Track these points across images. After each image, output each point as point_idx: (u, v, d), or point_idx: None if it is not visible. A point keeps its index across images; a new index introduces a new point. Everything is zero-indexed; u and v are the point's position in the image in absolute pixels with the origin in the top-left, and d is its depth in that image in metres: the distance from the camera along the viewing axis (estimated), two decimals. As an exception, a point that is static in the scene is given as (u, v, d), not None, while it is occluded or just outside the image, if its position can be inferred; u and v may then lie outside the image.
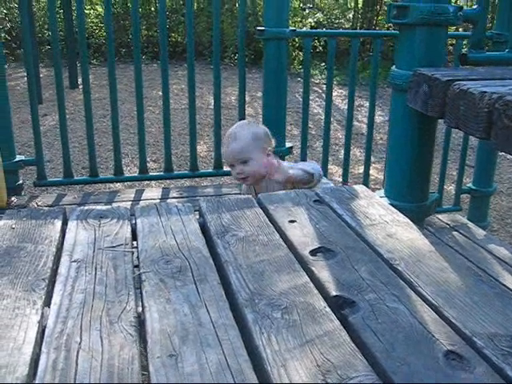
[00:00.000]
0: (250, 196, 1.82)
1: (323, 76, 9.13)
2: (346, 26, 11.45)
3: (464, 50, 2.87)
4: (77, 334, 1.04)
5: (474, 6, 2.25)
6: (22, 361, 0.96)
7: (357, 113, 7.16)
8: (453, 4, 2.24)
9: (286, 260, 1.37)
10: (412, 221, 1.66)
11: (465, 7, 2.36)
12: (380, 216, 1.67)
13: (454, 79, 1.79)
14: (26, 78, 2.81)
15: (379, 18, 11.24)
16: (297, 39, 8.94)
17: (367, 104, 3.23)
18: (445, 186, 3.51)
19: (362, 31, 9.26)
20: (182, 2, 10.85)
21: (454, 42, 3.44)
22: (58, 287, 1.21)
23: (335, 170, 5.05)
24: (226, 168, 3.35)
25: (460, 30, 8.17)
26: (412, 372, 0.96)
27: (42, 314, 1.11)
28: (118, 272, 1.29)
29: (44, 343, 1.01)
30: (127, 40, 10.04)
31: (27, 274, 1.27)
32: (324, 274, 1.30)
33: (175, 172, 3.22)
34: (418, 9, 2.03)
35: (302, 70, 8.35)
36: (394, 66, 2.22)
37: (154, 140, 5.67)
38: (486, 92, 1.57)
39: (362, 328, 1.08)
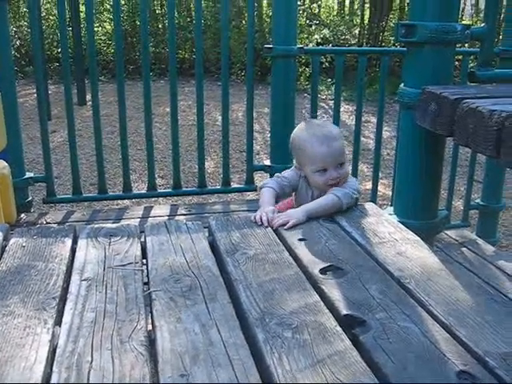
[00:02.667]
0: None
1: (330, 91, 9.15)
2: (352, 42, 11.49)
3: (471, 67, 2.88)
4: (88, 353, 1.04)
5: (482, 25, 2.26)
6: (34, 380, 0.96)
7: (363, 128, 7.14)
8: (459, 22, 2.25)
9: (296, 278, 1.37)
10: (421, 238, 1.66)
11: (468, 22, 2.36)
12: (389, 234, 1.67)
13: (463, 97, 1.79)
14: (34, 95, 2.84)
15: (385, 34, 11.28)
16: (303, 55, 8.99)
17: (373, 120, 3.25)
18: (453, 202, 3.50)
19: (369, 48, 9.29)
20: (188, 19, 10.94)
21: (460, 57, 3.44)
22: (68, 306, 1.22)
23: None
24: (234, 185, 3.35)
25: (466, 45, 8.19)
26: (424, 392, 0.96)
27: (53, 333, 1.11)
28: (129, 291, 1.29)
29: (55, 362, 1.01)
30: (135, 57, 10.12)
31: (38, 292, 1.27)
32: (334, 292, 1.30)
33: (183, 189, 3.22)
34: (426, 27, 2.04)
35: (308, 86, 8.37)
36: (402, 84, 2.23)
37: (161, 156, 5.68)
38: (495, 110, 1.57)
39: (373, 347, 1.08)
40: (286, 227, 1.70)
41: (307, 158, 1.92)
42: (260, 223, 1.72)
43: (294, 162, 2.07)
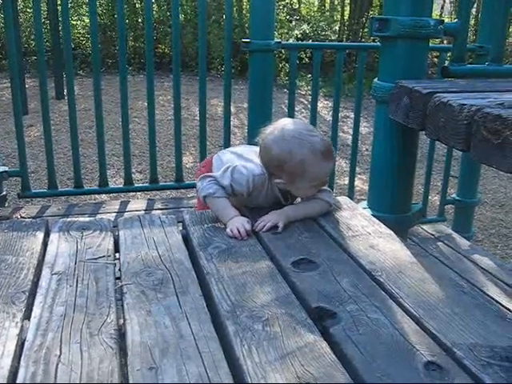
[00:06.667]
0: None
1: (309, 87, 9.16)
2: (332, 38, 11.51)
3: (447, 63, 2.90)
4: (56, 346, 1.03)
5: (455, 20, 2.28)
6: (0, 375, 0.95)
7: (342, 124, 7.21)
8: (434, 17, 2.27)
9: (268, 271, 1.37)
10: (395, 232, 1.67)
11: (447, 20, 2.38)
12: (362, 227, 1.68)
13: (435, 91, 1.80)
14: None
15: (365, 30, 11.33)
16: (283, 51, 9.03)
17: (353, 115, 3.25)
18: (429, 197, 3.53)
19: (347, 44, 9.30)
20: (168, 14, 10.88)
21: (439, 54, 3.46)
22: (38, 300, 1.21)
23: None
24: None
25: (445, 42, 8.27)
26: (392, 383, 0.97)
27: (22, 326, 1.10)
28: (100, 284, 1.28)
29: (23, 356, 1.01)
30: (114, 51, 10.04)
31: (7, 286, 1.26)
32: (306, 285, 1.30)
33: (160, 183, 3.21)
34: (399, 22, 2.05)
35: (288, 82, 8.41)
36: (376, 79, 2.24)
37: (140, 151, 5.66)
38: (465, 104, 1.58)
39: (342, 339, 1.09)
40: (279, 230, 1.62)
41: (307, 177, 1.68)
42: (240, 238, 1.57)
43: (257, 169, 1.76)
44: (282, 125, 1.73)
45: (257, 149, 1.79)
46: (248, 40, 2.93)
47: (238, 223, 1.61)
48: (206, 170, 1.97)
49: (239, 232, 1.58)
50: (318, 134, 1.71)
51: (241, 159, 1.84)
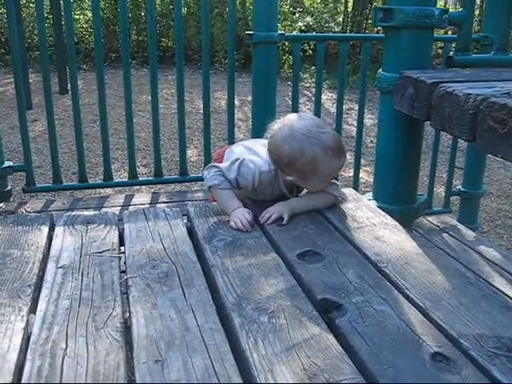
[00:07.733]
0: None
1: (313, 79, 9.13)
2: (336, 30, 11.47)
3: (451, 53, 2.89)
4: (62, 340, 1.03)
5: (460, 9, 2.27)
6: (7, 368, 0.95)
7: (347, 116, 7.18)
8: (439, 7, 2.24)
9: (274, 264, 1.37)
10: (400, 223, 1.66)
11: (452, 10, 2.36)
12: (368, 219, 1.67)
13: (440, 81, 1.79)
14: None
15: (368, 21, 11.28)
16: (287, 43, 9.00)
17: (357, 107, 3.24)
18: (435, 188, 3.52)
19: (350, 35, 9.26)
20: (171, 7, 10.85)
21: (443, 45, 3.44)
22: (43, 293, 1.21)
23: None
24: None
25: (449, 33, 8.22)
26: (398, 374, 0.96)
27: (28, 320, 1.10)
28: (105, 277, 1.28)
29: (29, 350, 1.01)
30: (117, 45, 10.03)
31: (13, 280, 1.26)
32: (311, 277, 1.30)
33: (165, 177, 3.20)
34: (403, 12, 2.03)
35: (292, 74, 8.37)
36: (380, 69, 2.23)
37: (144, 145, 5.66)
38: (470, 94, 1.57)
39: (349, 331, 1.08)
40: (284, 222, 1.62)
41: (318, 174, 1.67)
42: (244, 229, 1.57)
43: (265, 165, 1.74)
44: (291, 121, 1.70)
45: (266, 142, 1.78)
46: (251, 32, 2.92)
47: (239, 215, 1.62)
48: (219, 162, 1.95)
49: (242, 224, 1.58)
50: (327, 130, 1.68)
51: (251, 153, 1.83)
